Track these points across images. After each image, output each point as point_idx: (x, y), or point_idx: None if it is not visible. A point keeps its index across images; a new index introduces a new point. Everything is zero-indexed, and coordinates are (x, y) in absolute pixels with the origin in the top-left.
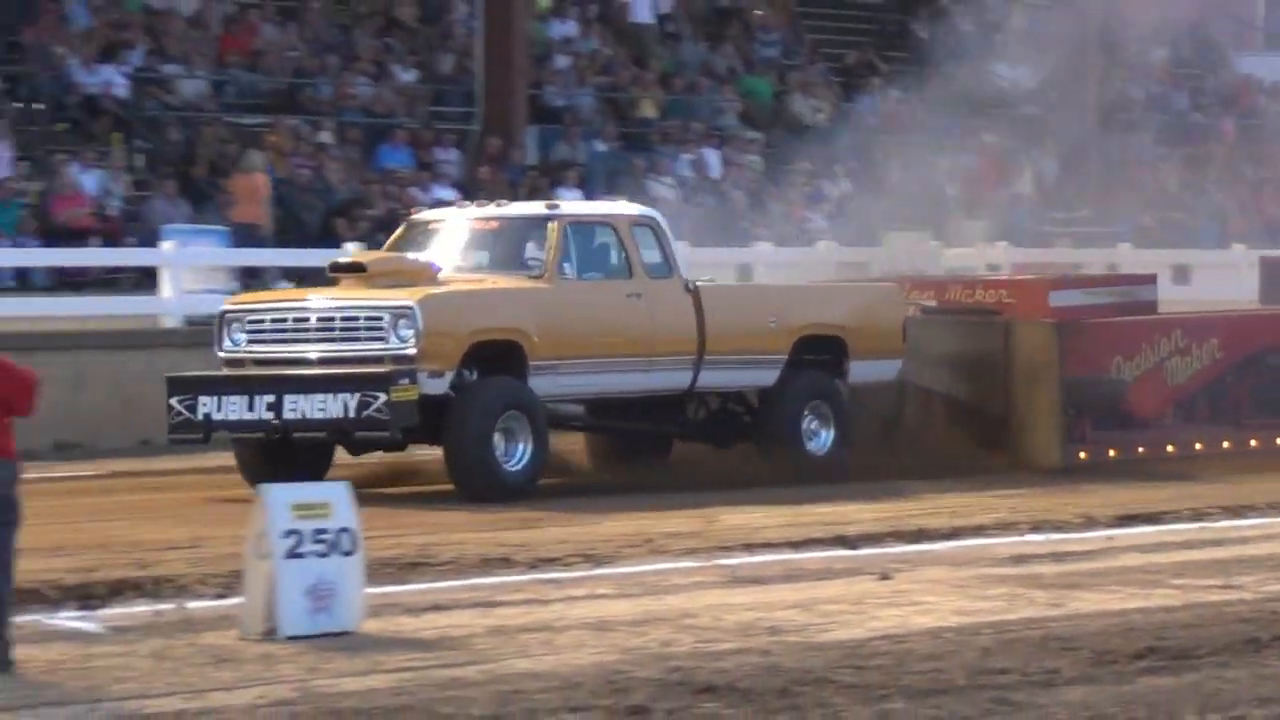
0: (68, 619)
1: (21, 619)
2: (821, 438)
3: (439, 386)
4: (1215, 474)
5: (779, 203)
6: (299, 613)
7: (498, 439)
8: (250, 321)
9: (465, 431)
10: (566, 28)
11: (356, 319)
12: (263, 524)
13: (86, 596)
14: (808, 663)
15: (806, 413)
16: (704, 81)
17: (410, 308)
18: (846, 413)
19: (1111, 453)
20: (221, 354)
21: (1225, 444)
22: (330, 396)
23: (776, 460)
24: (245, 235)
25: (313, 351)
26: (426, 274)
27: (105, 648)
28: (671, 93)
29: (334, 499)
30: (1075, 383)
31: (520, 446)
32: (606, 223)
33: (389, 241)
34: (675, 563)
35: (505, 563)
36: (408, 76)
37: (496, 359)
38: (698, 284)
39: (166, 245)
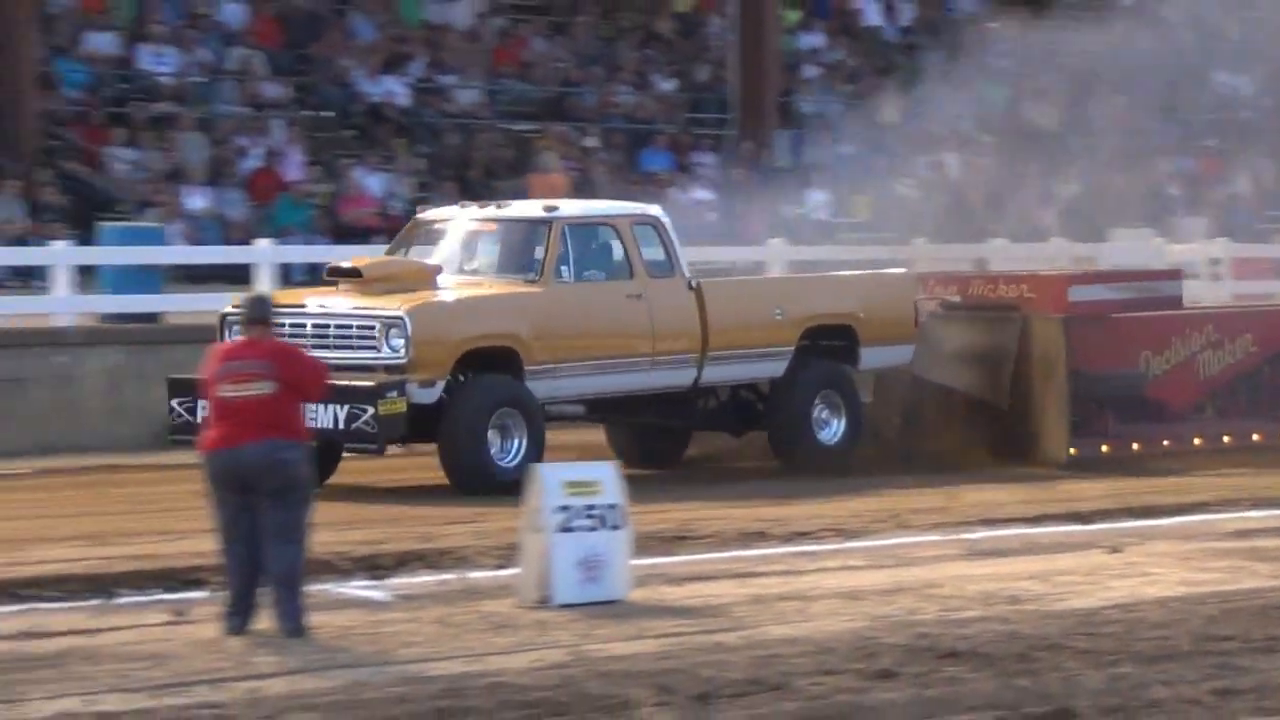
0: (358, 588)
1: (315, 588)
2: (832, 427)
3: (430, 396)
4: None
5: (1013, 202)
6: (571, 583)
7: (492, 435)
8: None
9: (458, 429)
10: (814, 39)
11: (349, 328)
12: (537, 501)
13: (375, 567)
14: (1045, 630)
15: (817, 402)
16: (942, 89)
17: (400, 318)
18: (858, 402)
19: (1135, 446)
20: None
21: (1256, 437)
22: (320, 407)
23: (787, 449)
24: None
25: None
26: (423, 278)
27: (393, 615)
28: (912, 99)
29: (603, 478)
30: (1091, 377)
31: (515, 443)
32: (607, 223)
33: (394, 241)
34: (921, 536)
35: (762, 537)
36: (667, 85)
37: (493, 363)
38: (700, 281)
39: None
